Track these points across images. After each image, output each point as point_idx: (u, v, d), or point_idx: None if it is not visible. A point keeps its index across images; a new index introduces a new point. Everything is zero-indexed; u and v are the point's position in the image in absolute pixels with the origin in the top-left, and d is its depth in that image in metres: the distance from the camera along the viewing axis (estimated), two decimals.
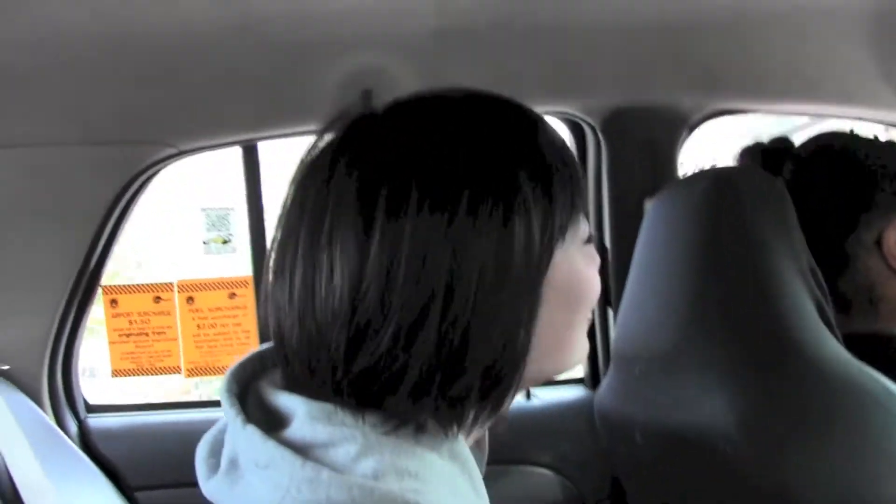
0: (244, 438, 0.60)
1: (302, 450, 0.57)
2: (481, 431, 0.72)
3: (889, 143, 1.11)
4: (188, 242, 1.82)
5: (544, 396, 1.71)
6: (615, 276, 1.59)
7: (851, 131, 1.14)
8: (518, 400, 1.78)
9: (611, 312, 1.64)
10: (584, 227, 0.69)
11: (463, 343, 0.59)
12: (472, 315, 0.59)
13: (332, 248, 0.59)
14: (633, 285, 1.13)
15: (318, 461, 0.56)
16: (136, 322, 1.77)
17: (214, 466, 0.64)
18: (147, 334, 1.77)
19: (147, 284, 1.77)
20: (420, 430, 0.61)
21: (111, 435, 1.71)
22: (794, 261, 0.95)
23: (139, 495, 1.66)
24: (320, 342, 0.60)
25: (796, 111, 1.59)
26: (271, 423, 0.62)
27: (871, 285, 1.07)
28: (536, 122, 0.67)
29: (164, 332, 1.77)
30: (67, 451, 1.60)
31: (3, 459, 1.43)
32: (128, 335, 1.77)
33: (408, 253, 0.57)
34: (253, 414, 0.63)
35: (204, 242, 1.79)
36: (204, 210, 1.78)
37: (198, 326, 1.77)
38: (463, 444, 0.63)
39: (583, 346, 0.71)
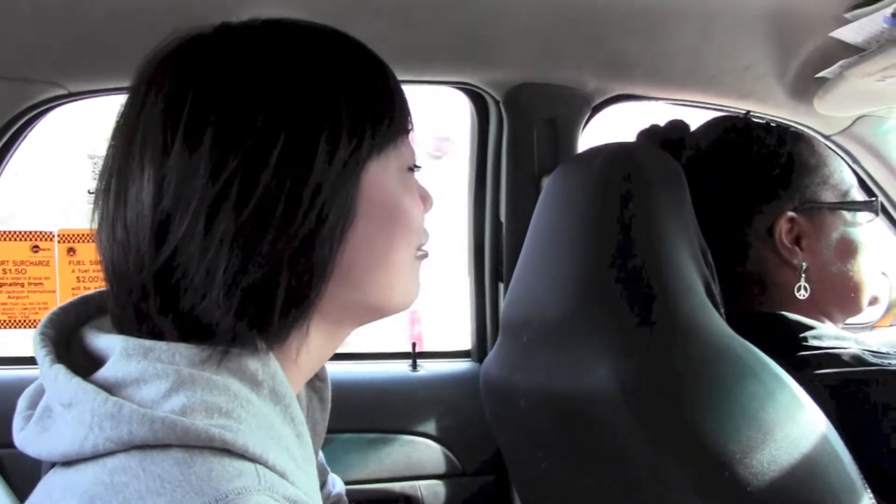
0: (51, 378, 0.59)
1: (113, 388, 0.57)
2: (306, 375, 0.71)
3: (779, 130, 1.15)
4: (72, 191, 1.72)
5: (430, 368, 1.71)
6: (508, 251, 1.60)
7: (746, 119, 1.17)
8: (404, 370, 1.77)
9: (501, 288, 1.64)
10: (408, 155, 0.71)
11: (254, 251, 0.59)
12: (267, 224, 0.59)
13: (141, 170, 0.60)
14: (526, 257, 1.14)
15: (127, 399, 0.56)
16: (10, 272, 1.67)
17: (29, 418, 0.62)
18: (22, 285, 1.67)
19: (25, 232, 1.67)
20: (237, 361, 0.60)
21: None
22: (685, 239, 0.96)
23: (2, 453, 1.57)
24: (128, 268, 0.61)
25: (696, 102, 1.63)
26: (93, 366, 0.60)
27: (764, 273, 1.11)
28: (359, 51, 0.69)
29: (41, 284, 1.68)
30: None
31: None
32: (0, 285, 1.67)
33: (202, 173, 0.58)
34: (75, 359, 0.62)
35: (89, 192, 1.70)
36: (91, 157, 1.70)
37: (77, 279, 1.68)
38: (287, 386, 0.63)
39: (411, 282, 0.72)
